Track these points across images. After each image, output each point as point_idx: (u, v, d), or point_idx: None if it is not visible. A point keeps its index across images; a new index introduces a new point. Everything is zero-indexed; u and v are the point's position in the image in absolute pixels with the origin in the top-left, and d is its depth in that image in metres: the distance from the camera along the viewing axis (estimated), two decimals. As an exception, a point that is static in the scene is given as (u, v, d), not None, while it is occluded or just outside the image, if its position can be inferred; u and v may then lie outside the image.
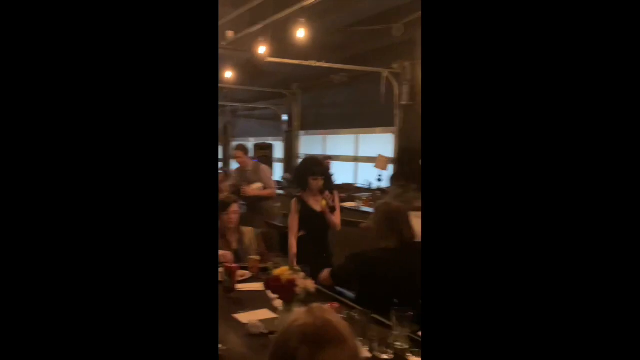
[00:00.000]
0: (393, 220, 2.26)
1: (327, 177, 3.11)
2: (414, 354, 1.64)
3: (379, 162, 5.45)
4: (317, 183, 2.99)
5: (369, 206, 4.73)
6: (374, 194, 5.33)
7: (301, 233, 3.06)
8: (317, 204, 3.02)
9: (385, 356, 1.63)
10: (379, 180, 5.51)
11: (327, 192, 3.01)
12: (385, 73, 5.83)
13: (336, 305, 2.01)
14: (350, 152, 7.20)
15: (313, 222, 3.02)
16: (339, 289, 2.51)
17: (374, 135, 6.71)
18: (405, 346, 1.69)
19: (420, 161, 4.86)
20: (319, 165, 3.13)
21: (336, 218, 3.05)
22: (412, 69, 5.67)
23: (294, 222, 3.02)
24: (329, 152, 7.34)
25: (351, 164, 7.13)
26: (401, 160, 4.08)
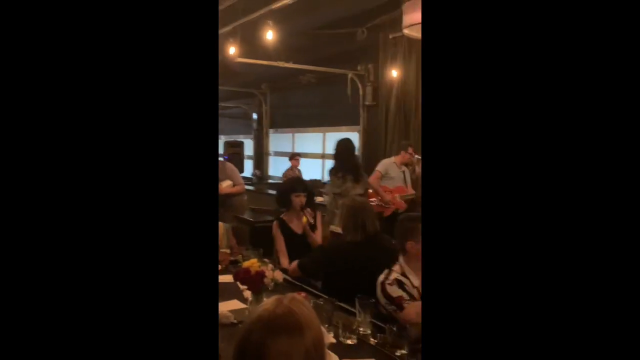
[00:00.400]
0: (357, 215, 2.37)
1: (309, 193, 3.12)
2: (375, 338, 1.74)
3: (345, 159, 5.56)
4: (300, 200, 3.02)
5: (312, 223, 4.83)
6: (312, 213, 5.41)
7: (284, 259, 3.04)
8: (299, 226, 3.03)
9: (349, 341, 1.70)
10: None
11: (308, 209, 3.02)
12: (350, 74, 5.96)
13: (303, 294, 2.10)
14: (317, 150, 7.30)
15: (295, 244, 3.01)
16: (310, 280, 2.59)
17: (340, 133, 6.82)
18: (368, 331, 1.77)
19: (357, 156, 5.01)
20: (301, 184, 3.18)
21: (317, 236, 3.06)
22: (375, 71, 5.81)
23: (281, 244, 3.01)
24: (297, 150, 7.41)
25: (319, 161, 7.23)
26: (339, 155, 4.26)
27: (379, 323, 1.81)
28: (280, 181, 5.82)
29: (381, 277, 1.98)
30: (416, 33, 2.99)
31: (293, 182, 3.26)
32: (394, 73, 5.37)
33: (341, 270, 2.29)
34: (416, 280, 1.93)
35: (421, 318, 1.60)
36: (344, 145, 4.34)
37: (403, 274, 1.97)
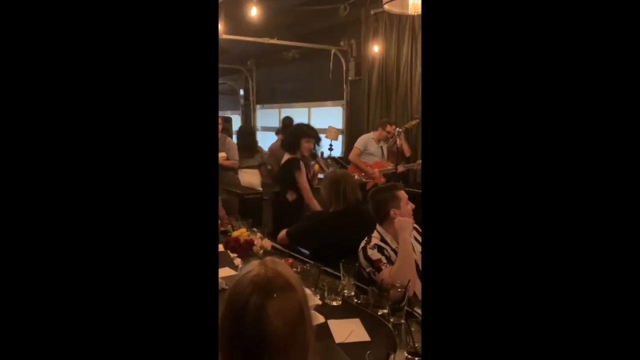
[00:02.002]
0: (337, 186, 2.39)
1: (318, 140, 3.04)
2: (360, 299, 1.77)
3: (330, 132, 5.54)
4: (309, 145, 2.96)
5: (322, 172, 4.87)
6: (325, 162, 5.44)
7: (292, 196, 3.00)
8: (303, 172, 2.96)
9: (334, 303, 1.74)
10: (330, 149, 5.61)
11: (319, 156, 2.97)
12: (333, 50, 5.87)
13: (290, 260, 2.11)
14: (303, 124, 7.25)
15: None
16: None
17: (325, 108, 6.77)
18: (352, 293, 1.81)
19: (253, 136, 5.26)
20: (312, 129, 3.10)
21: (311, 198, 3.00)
22: (358, 46, 5.73)
23: (305, 181, 2.91)
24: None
25: (304, 136, 7.19)
26: (239, 137, 4.68)
27: (362, 285, 1.85)
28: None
29: (363, 243, 2.01)
30: (396, 8, 2.94)
31: (304, 127, 3.15)
32: (376, 48, 5.31)
33: (328, 238, 2.31)
34: (393, 244, 1.96)
35: (397, 280, 1.66)
36: (244, 130, 4.89)
37: (382, 240, 2.00)
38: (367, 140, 4.47)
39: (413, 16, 4.57)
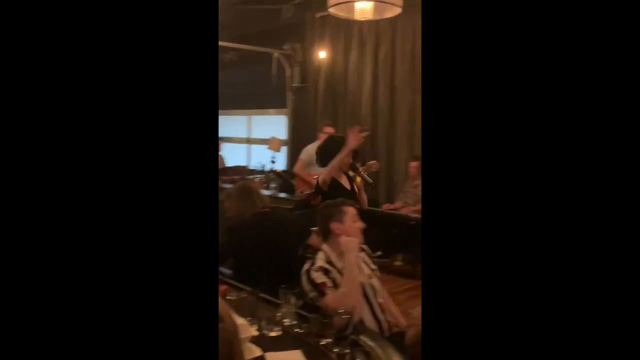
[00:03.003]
0: (246, 193, 2.54)
1: (356, 153, 2.91)
2: (302, 328, 1.75)
3: (272, 143, 5.52)
4: (347, 158, 2.84)
5: (264, 188, 4.81)
6: (267, 176, 5.40)
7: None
8: (345, 182, 2.90)
9: (273, 333, 1.70)
10: (273, 162, 5.57)
11: (359, 166, 2.86)
12: (276, 54, 5.88)
13: (224, 287, 2.06)
14: (242, 134, 7.18)
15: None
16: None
17: (267, 116, 6.75)
18: (293, 322, 1.78)
19: None
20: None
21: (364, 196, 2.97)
22: (303, 51, 5.78)
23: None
24: (220, 134, 7.25)
25: (244, 146, 7.12)
26: None
27: (304, 313, 1.83)
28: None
29: (306, 266, 2.00)
30: (342, 12, 3.00)
31: (336, 138, 3.04)
32: (322, 54, 5.38)
33: (245, 249, 2.35)
34: (339, 264, 1.96)
35: (342, 306, 1.66)
36: None
37: (328, 262, 2.00)
38: (312, 150, 4.48)
39: (361, 22, 4.69)
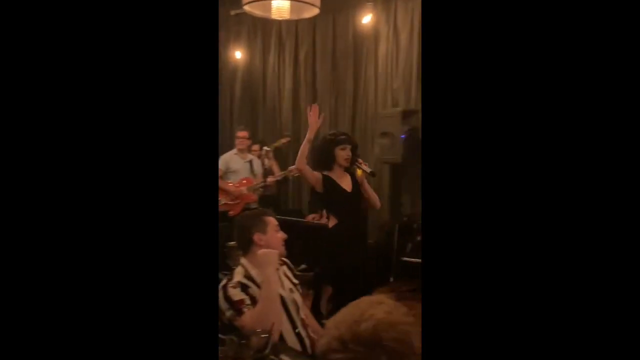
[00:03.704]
0: None
1: (355, 145, 2.86)
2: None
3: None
4: (346, 153, 2.77)
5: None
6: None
7: (332, 222, 2.81)
8: (348, 183, 2.80)
9: None
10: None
11: (359, 159, 2.77)
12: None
13: None
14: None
15: (345, 206, 2.77)
16: None
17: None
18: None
19: None
20: (344, 134, 2.92)
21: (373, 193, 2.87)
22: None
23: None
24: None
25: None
26: None
27: (219, 335, 1.77)
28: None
29: (223, 281, 1.93)
30: (258, 11, 2.97)
31: (335, 134, 2.95)
32: (238, 54, 5.32)
33: None
34: (259, 278, 1.92)
35: (260, 324, 1.62)
36: None
37: (247, 276, 1.95)
38: (228, 158, 4.42)
39: (280, 22, 4.70)
